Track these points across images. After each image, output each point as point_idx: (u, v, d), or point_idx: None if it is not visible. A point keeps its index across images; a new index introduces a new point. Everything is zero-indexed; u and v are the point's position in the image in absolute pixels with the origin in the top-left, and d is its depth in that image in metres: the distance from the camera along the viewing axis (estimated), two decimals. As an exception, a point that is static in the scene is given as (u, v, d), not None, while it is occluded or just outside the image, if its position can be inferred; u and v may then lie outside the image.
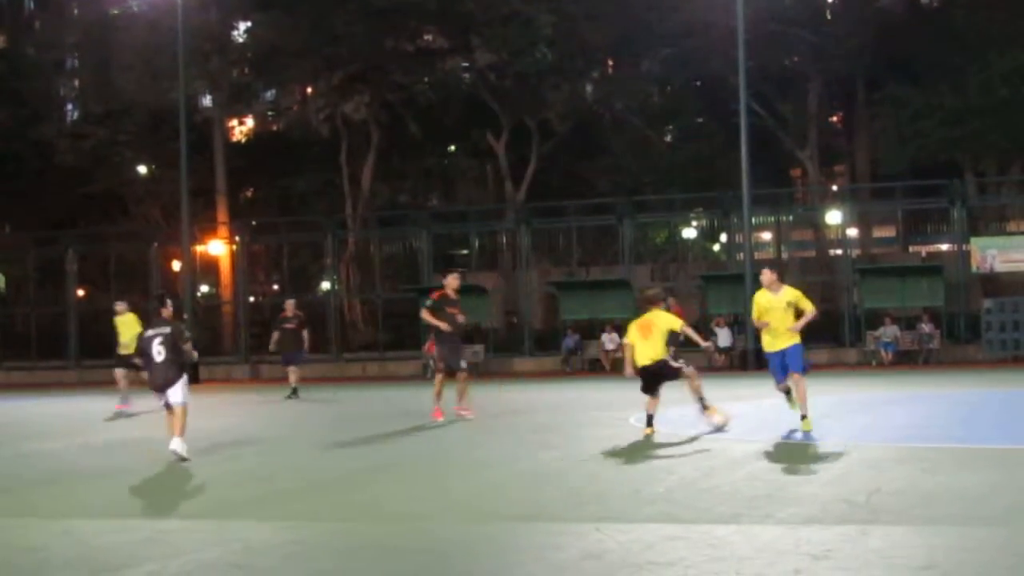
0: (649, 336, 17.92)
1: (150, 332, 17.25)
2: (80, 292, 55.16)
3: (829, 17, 56.90)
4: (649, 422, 17.81)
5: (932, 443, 16.11)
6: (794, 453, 15.39)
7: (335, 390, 33.87)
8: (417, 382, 37.90)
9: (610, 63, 62.45)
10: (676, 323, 18.51)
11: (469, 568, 9.01)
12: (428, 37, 60.62)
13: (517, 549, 9.59)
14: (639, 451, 16.13)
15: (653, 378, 18.05)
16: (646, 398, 18.10)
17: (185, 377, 16.99)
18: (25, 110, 61.69)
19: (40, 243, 55.82)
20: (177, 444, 16.38)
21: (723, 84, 52.20)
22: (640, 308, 18.78)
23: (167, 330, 17.04)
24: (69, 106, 73.72)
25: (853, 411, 22.68)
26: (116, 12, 65.94)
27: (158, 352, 16.73)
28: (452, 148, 63.89)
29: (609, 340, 42.07)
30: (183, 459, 16.14)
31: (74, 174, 61.13)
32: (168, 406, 16.85)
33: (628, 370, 18.18)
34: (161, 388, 16.77)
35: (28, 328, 52.92)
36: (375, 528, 10.86)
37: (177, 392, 16.69)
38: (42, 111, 64.63)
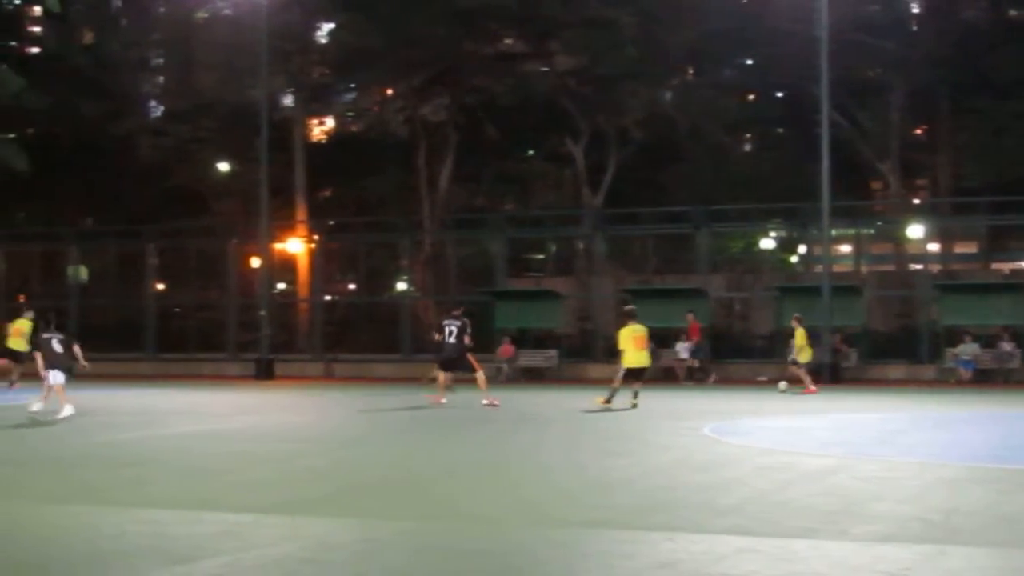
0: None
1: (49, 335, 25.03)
2: (160, 286, 55.59)
3: (914, 28, 56.37)
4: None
5: (1010, 464, 15.90)
6: (869, 469, 15.19)
7: (406, 391, 33.91)
8: (489, 385, 37.85)
9: (690, 70, 62.21)
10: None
11: (539, 573, 8.95)
12: (508, 41, 60.65)
13: (586, 556, 9.53)
14: (712, 461, 16.01)
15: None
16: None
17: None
18: (109, 105, 62.27)
19: (122, 237, 56.30)
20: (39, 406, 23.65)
21: (804, 94, 51.78)
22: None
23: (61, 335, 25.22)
24: (152, 103, 74.30)
25: (929, 429, 22.39)
26: (202, 14, 66.48)
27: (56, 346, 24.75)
28: (530, 152, 63.87)
29: (683, 349, 41.86)
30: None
31: (155, 169, 61.66)
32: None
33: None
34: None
35: (107, 320, 53.32)
36: (446, 528, 10.85)
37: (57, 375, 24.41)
38: (126, 107, 65.21)
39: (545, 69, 58.71)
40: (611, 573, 8.84)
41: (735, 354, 44.87)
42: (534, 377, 43.41)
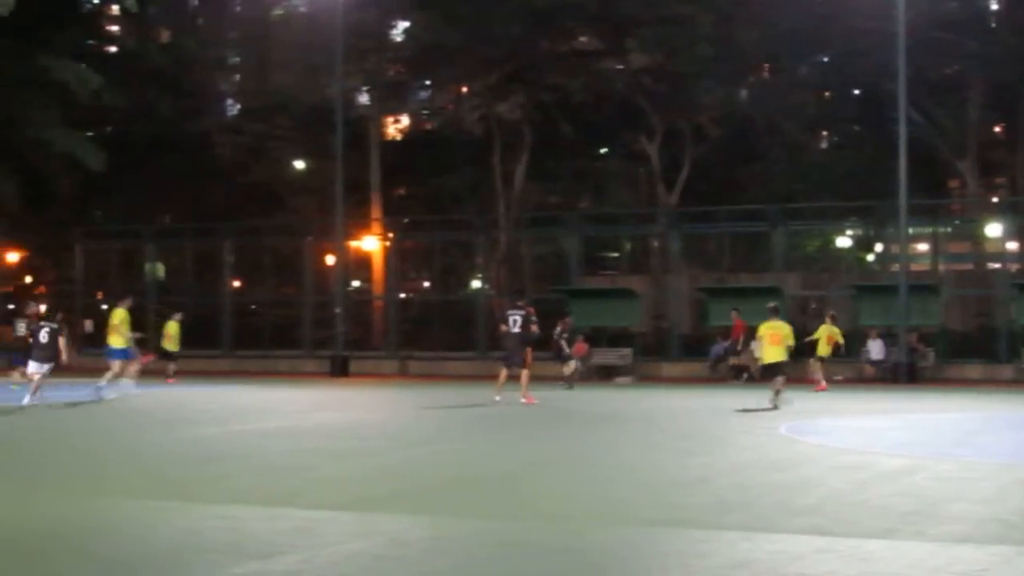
0: None
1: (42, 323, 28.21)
2: (236, 283, 55.98)
3: (993, 24, 55.77)
4: None
5: (1091, 464, 15.73)
6: (947, 469, 15.08)
7: (480, 388, 33.96)
8: (563, 382, 37.88)
9: (766, 68, 61.89)
10: None
11: (614, 572, 8.96)
12: (583, 38, 60.55)
13: (662, 554, 9.53)
14: (789, 461, 15.95)
15: None
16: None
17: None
18: (186, 103, 62.77)
19: (198, 234, 56.72)
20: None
21: (881, 91, 51.39)
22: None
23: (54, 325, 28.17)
24: (229, 101, 74.84)
25: (1008, 429, 22.19)
26: (279, 12, 66.91)
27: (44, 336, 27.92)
28: (605, 150, 63.76)
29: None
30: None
31: (232, 167, 62.08)
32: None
33: None
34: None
35: (184, 317, 53.99)
36: (520, 526, 10.86)
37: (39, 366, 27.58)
38: (202, 105, 65.71)
39: (620, 67, 58.51)
40: (688, 572, 8.85)
41: (811, 353, 44.58)
42: (608, 375, 43.35)
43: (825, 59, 59.11)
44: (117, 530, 10.46)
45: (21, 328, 37.54)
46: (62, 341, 28.73)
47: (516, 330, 28.31)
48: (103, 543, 9.79)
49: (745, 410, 25.38)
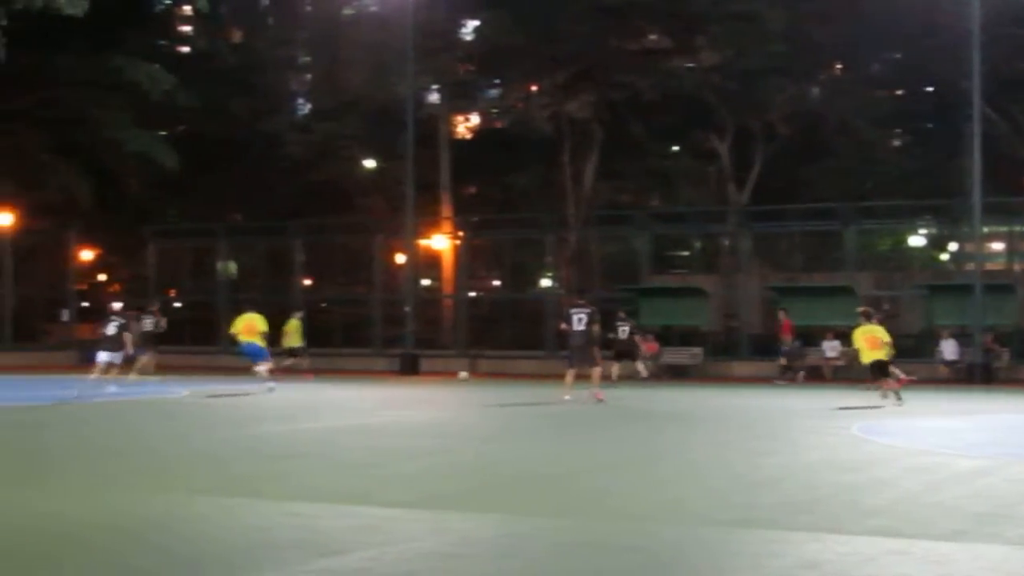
0: None
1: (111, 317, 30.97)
2: (306, 281, 56.23)
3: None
4: None
5: None
6: (1022, 471, 14.90)
7: (550, 387, 33.96)
8: (630, 382, 37.80)
9: (837, 66, 61.51)
10: None
11: (684, 571, 8.92)
12: (653, 36, 60.41)
13: (732, 554, 9.48)
14: (860, 461, 15.82)
15: None
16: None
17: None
18: (257, 103, 63.15)
19: (269, 233, 57.03)
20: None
21: (955, 88, 50.91)
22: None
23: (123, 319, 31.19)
24: (299, 100, 75.17)
25: (1084, 429, 21.93)
26: (349, 12, 67.13)
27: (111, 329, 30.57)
28: (675, 148, 63.57)
29: (830, 348, 41.40)
30: None
31: (302, 166, 62.36)
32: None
33: None
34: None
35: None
36: (590, 525, 10.82)
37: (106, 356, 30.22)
38: (273, 104, 66.05)
39: (690, 65, 58.38)
40: (758, 572, 8.78)
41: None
42: (678, 374, 43.23)
43: (898, 56, 58.67)
44: (187, 526, 10.52)
45: (147, 324, 38.37)
46: (127, 335, 31.04)
47: (581, 328, 28.36)
48: (173, 539, 9.85)
49: (847, 408, 25.35)
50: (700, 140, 58.90)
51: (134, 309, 36.80)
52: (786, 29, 52.10)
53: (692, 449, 18.00)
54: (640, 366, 38.66)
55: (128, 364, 33.63)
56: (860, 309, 29.06)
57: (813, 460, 15.97)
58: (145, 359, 38.21)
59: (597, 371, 28.72)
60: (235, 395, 30.16)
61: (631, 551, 9.56)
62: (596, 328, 28.91)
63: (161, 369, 39.51)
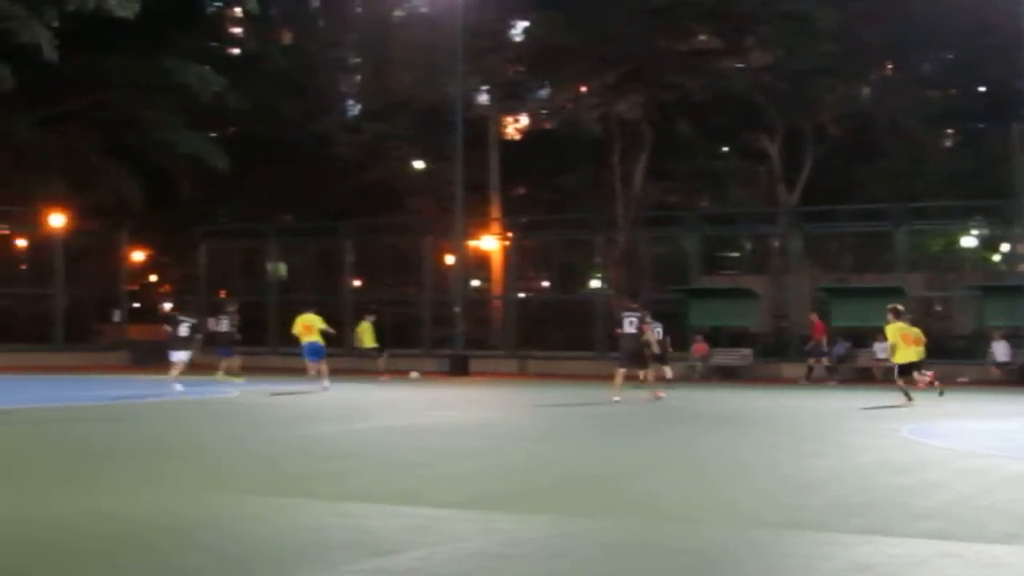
0: None
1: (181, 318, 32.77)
2: (356, 282, 56.38)
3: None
4: None
5: None
6: (1075, 472, 14.81)
7: (599, 388, 33.96)
8: (683, 383, 37.72)
9: (888, 65, 61.19)
10: None
11: (734, 573, 8.90)
12: (702, 37, 60.26)
13: (783, 556, 9.45)
14: (912, 463, 15.74)
15: None
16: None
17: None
18: (307, 104, 63.35)
19: (319, 233, 57.23)
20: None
21: (1007, 88, 50.56)
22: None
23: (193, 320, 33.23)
24: (349, 101, 75.36)
25: None
26: (399, 13, 67.27)
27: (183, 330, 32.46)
28: (724, 149, 63.38)
29: (881, 349, 41.15)
30: None
31: (352, 166, 62.53)
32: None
33: None
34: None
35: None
36: (640, 525, 10.82)
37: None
38: (323, 105, 66.25)
39: (740, 65, 58.20)
40: (809, 575, 8.75)
41: (934, 355, 43.99)
42: (728, 376, 43.13)
43: (949, 56, 58.33)
44: (237, 526, 10.57)
45: (224, 324, 38.71)
46: (197, 337, 33.28)
47: (632, 331, 28.70)
48: (224, 539, 9.90)
49: (874, 407, 25.17)
50: (750, 141, 58.69)
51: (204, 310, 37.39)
52: (836, 29, 51.86)
53: (742, 450, 17.95)
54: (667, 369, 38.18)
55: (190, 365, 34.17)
56: (890, 306, 28.95)
57: (864, 462, 15.89)
58: (229, 361, 38.32)
59: (650, 372, 29.07)
60: (286, 394, 30.31)
61: (680, 552, 9.55)
62: (647, 330, 29.25)
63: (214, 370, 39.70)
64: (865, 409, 26.18)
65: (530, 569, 8.92)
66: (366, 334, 42.01)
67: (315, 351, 33.81)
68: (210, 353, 38.43)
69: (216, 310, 42.36)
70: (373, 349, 42.06)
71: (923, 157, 57.75)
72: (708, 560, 9.27)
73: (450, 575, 8.63)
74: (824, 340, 40.69)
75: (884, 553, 9.31)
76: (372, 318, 42.66)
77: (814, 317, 41.18)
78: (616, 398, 28.14)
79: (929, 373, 29.93)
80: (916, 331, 27.86)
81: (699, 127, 58.66)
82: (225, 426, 21.91)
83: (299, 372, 37.01)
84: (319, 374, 33.45)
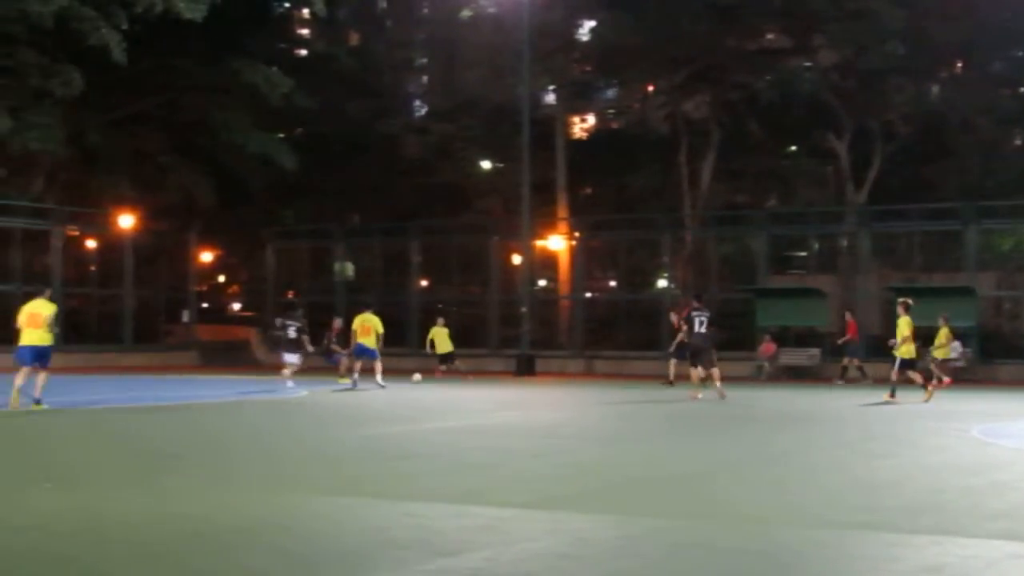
0: None
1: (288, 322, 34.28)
2: (423, 282, 56.54)
3: None
4: None
5: None
6: None
7: (666, 388, 33.91)
8: (750, 383, 37.56)
9: (958, 64, 60.68)
10: None
11: (802, 574, 8.85)
12: (770, 36, 60.00)
13: (851, 558, 9.39)
14: (982, 464, 15.60)
15: None
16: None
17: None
18: (375, 104, 63.58)
19: (386, 234, 57.45)
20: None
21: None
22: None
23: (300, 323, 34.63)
24: (416, 102, 75.62)
25: None
26: (466, 13, 67.38)
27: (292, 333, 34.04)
28: (792, 148, 63.05)
29: (953, 349, 40.90)
30: None
31: (419, 167, 62.71)
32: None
33: None
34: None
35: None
36: (708, 526, 10.78)
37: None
38: (390, 106, 66.49)
39: (808, 64, 57.91)
40: (877, 576, 8.71)
41: (1005, 354, 43.68)
42: (796, 376, 42.92)
43: (1020, 53, 57.79)
44: (305, 526, 10.61)
45: (291, 331, 38.61)
46: (305, 338, 34.57)
47: (702, 331, 28.92)
48: (292, 539, 9.94)
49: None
50: (818, 139, 58.34)
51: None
52: (905, 27, 51.47)
53: (810, 450, 17.86)
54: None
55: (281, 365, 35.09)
56: (901, 300, 29.42)
57: (933, 462, 15.78)
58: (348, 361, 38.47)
59: (716, 371, 29.16)
60: (346, 391, 30.45)
61: (748, 553, 9.51)
62: (714, 330, 29.58)
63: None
64: (934, 410, 25.97)
65: (596, 569, 8.91)
66: (440, 340, 41.94)
67: (364, 352, 34.02)
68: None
69: (283, 314, 42.43)
70: (449, 355, 42.09)
71: (994, 155, 57.24)
72: (776, 561, 9.23)
73: (516, 575, 8.63)
74: (858, 339, 40.42)
75: (954, 554, 9.24)
76: (442, 321, 43.01)
77: (849, 316, 40.96)
78: (699, 395, 28.63)
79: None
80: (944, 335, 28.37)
81: (767, 126, 58.39)
82: (293, 426, 22.02)
83: (367, 372, 37.19)
84: (350, 371, 34.41)
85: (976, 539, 9.94)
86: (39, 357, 24.14)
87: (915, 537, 10.04)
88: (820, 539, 10.12)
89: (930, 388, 28.67)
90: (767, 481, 14.12)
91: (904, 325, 28.44)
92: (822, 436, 20.40)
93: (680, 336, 36.07)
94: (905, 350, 28.36)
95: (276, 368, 37.22)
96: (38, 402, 23.66)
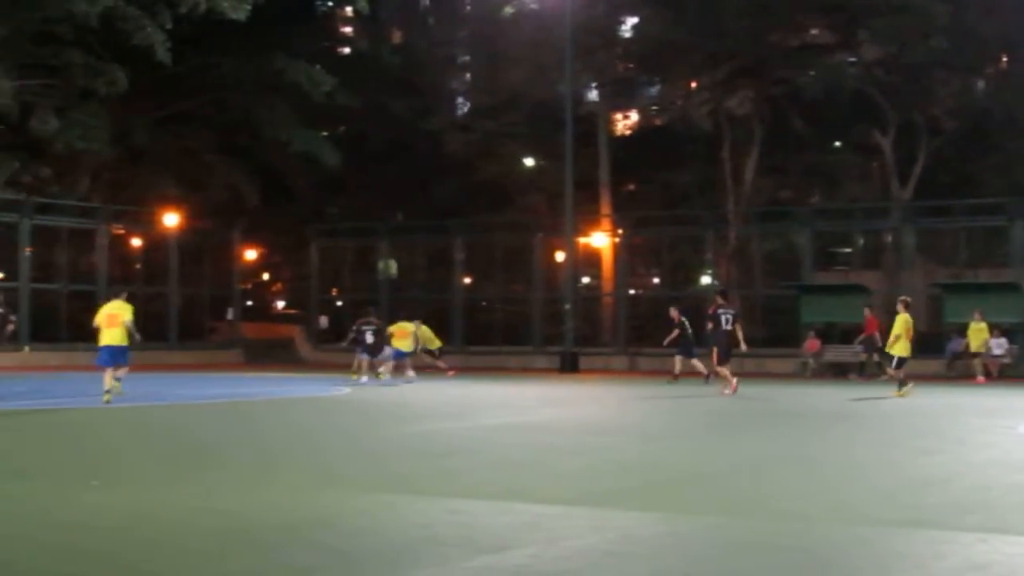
0: None
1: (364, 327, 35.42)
2: (466, 280, 56.60)
3: None
4: None
5: None
6: None
7: (708, 385, 33.81)
8: (795, 380, 37.44)
9: (1004, 59, 60.27)
10: None
11: (848, 572, 8.81)
12: (814, 31, 59.76)
13: (898, 555, 9.33)
14: (1028, 461, 15.50)
15: None
16: None
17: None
18: (418, 102, 63.68)
19: (429, 231, 57.56)
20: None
21: None
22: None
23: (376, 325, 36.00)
24: (459, 99, 75.72)
25: None
26: (509, 10, 67.40)
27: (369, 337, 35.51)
28: (836, 144, 62.77)
29: (997, 345, 40.67)
30: None
31: (462, 165, 62.77)
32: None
33: None
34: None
35: (415, 313, 54.83)
36: (753, 524, 10.73)
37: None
38: (433, 104, 66.59)
39: (852, 59, 57.65)
40: (924, 574, 8.64)
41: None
42: (840, 373, 42.73)
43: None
44: (349, 523, 10.62)
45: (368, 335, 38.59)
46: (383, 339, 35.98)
47: (728, 328, 29.11)
48: (334, 535, 9.95)
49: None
50: (863, 135, 58.05)
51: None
52: (950, 22, 51.17)
53: (855, 447, 17.77)
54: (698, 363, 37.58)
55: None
56: (901, 298, 29.92)
57: (980, 459, 15.68)
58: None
59: (725, 369, 29.55)
60: (380, 387, 30.53)
61: (793, 551, 9.47)
62: (740, 327, 29.75)
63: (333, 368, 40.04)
64: (981, 406, 25.82)
65: (640, 567, 8.88)
66: (427, 335, 41.17)
67: (399, 355, 36.23)
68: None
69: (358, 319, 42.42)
70: (437, 349, 41.83)
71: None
72: (821, 559, 9.19)
73: (560, 572, 8.61)
74: (877, 335, 40.18)
75: (1001, 552, 9.18)
76: (419, 322, 40.98)
77: (868, 312, 40.78)
78: (727, 391, 28.58)
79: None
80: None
81: (811, 122, 58.14)
82: (336, 423, 22.08)
83: (422, 369, 37.53)
84: (360, 368, 36.05)
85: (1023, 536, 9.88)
86: (116, 356, 25.19)
87: (962, 535, 9.96)
88: (865, 536, 10.06)
89: (904, 390, 28.81)
90: (812, 478, 14.06)
91: (900, 323, 28.62)
92: (867, 432, 20.30)
93: (675, 332, 36.43)
94: (899, 347, 28.63)
95: (325, 367, 37.40)
96: (108, 392, 24.73)
